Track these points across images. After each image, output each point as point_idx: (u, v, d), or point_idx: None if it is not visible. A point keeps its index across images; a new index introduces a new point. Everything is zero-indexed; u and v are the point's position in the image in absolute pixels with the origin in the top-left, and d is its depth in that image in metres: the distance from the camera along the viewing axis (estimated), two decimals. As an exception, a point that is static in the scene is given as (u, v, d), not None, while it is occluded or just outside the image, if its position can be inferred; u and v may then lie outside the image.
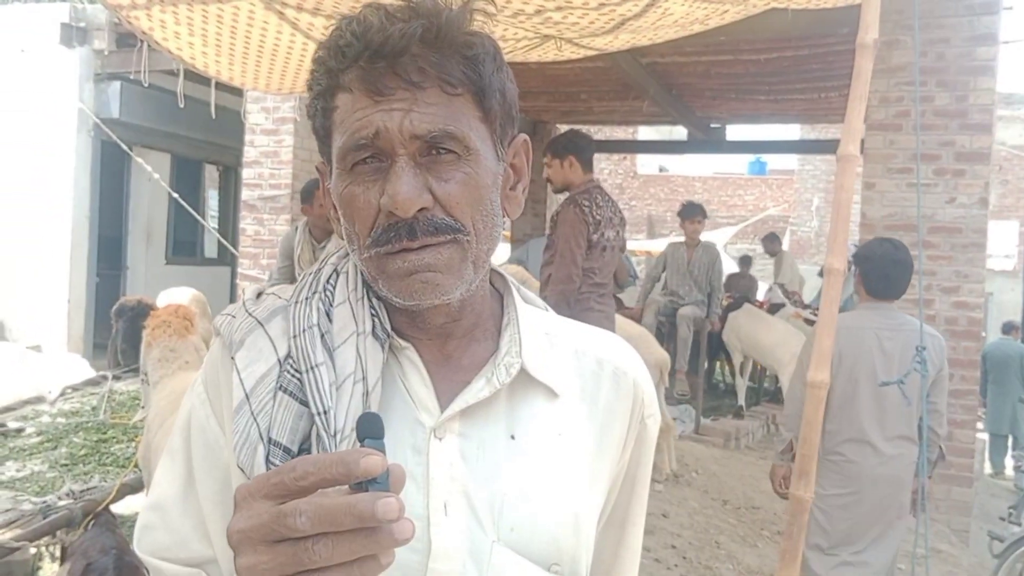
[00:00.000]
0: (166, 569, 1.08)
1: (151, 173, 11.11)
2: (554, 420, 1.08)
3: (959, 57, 6.68)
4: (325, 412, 0.96)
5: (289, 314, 1.05)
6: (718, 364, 12.17)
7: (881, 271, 4.27)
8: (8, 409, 7.37)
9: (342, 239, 1.07)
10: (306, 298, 1.06)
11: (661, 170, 29.69)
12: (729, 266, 15.14)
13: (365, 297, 1.06)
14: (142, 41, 5.48)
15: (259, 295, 1.13)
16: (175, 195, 10.99)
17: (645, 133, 20.82)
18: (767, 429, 9.92)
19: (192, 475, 1.09)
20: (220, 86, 6.06)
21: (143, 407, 4.83)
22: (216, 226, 13.67)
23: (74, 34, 11.26)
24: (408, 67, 0.96)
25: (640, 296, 10.25)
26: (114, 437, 6.60)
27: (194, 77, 6.20)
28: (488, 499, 1.01)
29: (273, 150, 9.07)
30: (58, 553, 4.17)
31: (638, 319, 8.93)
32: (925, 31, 6.43)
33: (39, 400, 7.71)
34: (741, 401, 10.21)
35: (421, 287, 0.99)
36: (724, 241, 21.42)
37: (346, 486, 0.69)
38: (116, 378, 8.05)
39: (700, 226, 9.49)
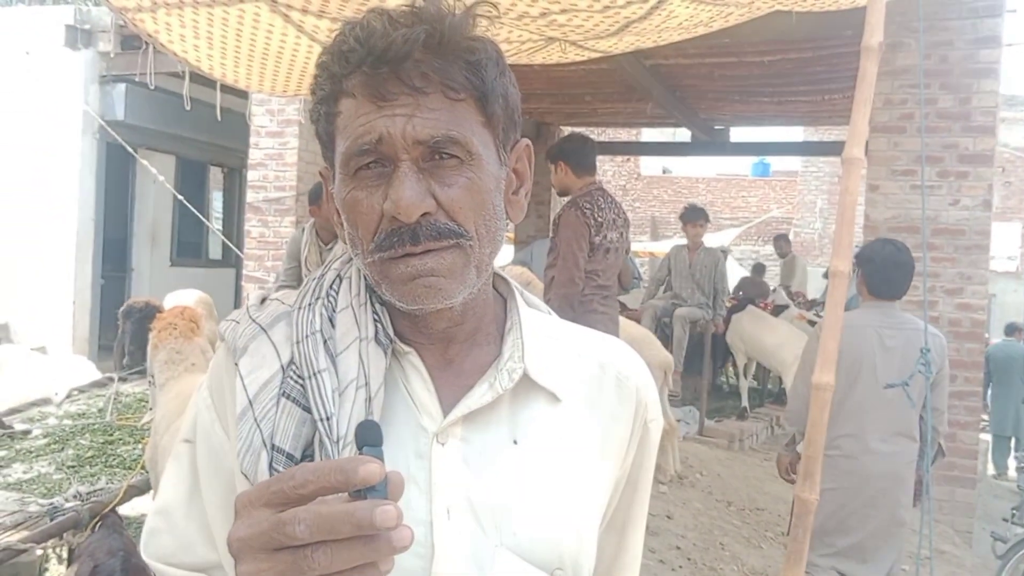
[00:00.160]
0: (172, 574, 1.09)
1: (156, 175, 11.11)
2: (556, 425, 1.08)
3: (962, 60, 6.69)
4: (328, 418, 0.97)
5: (292, 320, 1.06)
6: (723, 366, 12.17)
7: (883, 272, 4.32)
8: (14, 411, 7.38)
9: (345, 244, 1.08)
10: (309, 304, 1.06)
11: (664, 172, 29.70)
12: (737, 271, 15.12)
13: (368, 302, 1.06)
14: (147, 43, 5.50)
15: (263, 301, 1.13)
16: (180, 197, 11.01)
17: (649, 135, 20.85)
18: (771, 431, 9.91)
19: (197, 480, 1.10)
20: (225, 88, 6.09)
21: (150, 409, 4.85)
22: (220, 228, 13.69)
23: (79, 36, 11.29)
24: (411, 73, 0.96)
25: (644, 298, 10.26)
26: (121, 439, 6.61)
27: (199, 79, 6.23)
28: (491, 504, 1.01)
29: (278, 152, 9.08)
30: (65, 555, 4.18)
31: (637, 322, 8.93)
32: (929, 34, 6.44)
33: (45, 402, 7.72)
34: (745, 403, 10.21)
35: (424, 292, 0.99)
36: (728, 242, 21.45)
37: (345, 494, 0.69)
38: (122, 380, 8.06)
39: (702, 230, 9.49)
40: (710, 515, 6.38)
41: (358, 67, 0.98)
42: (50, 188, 11.51)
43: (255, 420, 0.99)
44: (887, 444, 4.24)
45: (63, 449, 6.41)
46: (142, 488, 4.50)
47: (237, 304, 12.08)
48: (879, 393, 4.23)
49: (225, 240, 12.07)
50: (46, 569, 4.60)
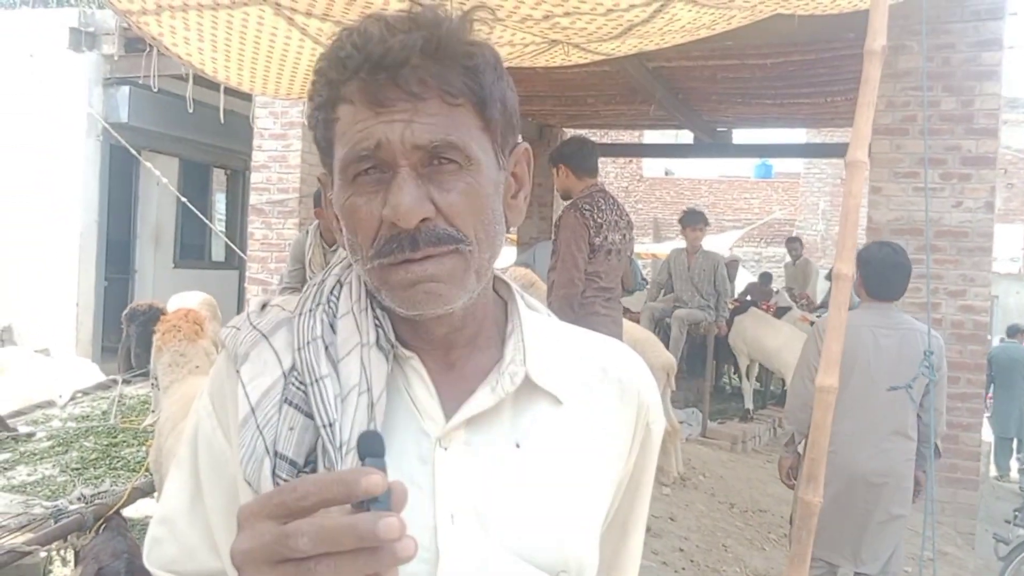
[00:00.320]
0: None
1: (159, 177, 11.12)
2: (559, 428, 1.08)
3: (965, 62, 6.70)
4: (330, 424, 0.96)
5: (293, 326, 1.05)
6: (725, 367, 12.17)
7: (881, 274, 4.40)
8: (18, 413, 7.38)
9: (344, 250, 1.08)
10: (310, 310, 1.06)
11: (667, 173, 29.67)
12: (747, 279, 15.08)
13: (369, 308, 1.06)
14: (151, 46, 5.51)
15: (263, 307, 1.13)
16: (183, 199, 11.01)
17: (651, 137, 20.84)
18: (774, 432, 9.91)
19: (199, 488, 1.10)
20: (229, 91, 6.10)
21: (154, 411, 4.85)
22: (223, 230, 13.70)
23: (83, 39, 11.29)
24: (409, 78, 0.96)
25: (645, 301, 10.28)
26: (125, 441, 6.61)
27: (203, 82, 6.23)
28: (495, 507, 1.01)
29: (281, 154, 9.10)
30: (69, 557, 4.18)
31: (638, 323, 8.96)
32: (931, 36, 6.45)
33: (49, 404, 7.72)
34: (748, 404, 10.21)
35: (424, 297, 0.99)
36: (730, 244, 21.44)
37: (348, 505, 0.69)
38: (126, 382, 8.06)
39: (701, 233, 9.54)
40: (713, 517, 6.38)
41: (355, 73, 0.97)
42: (54, 190, 11.51)
43: (257, 427, 0.99)
44: (882, 442, 4.30)
45: (67, 451, 6.41)
46: (146, 490, 4.51)
47: (240, 306, 12.09)
48: (873, 391, 4.29)
49: (228, 242, 12.08)
50: (50, 571, 4.60)
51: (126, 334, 8.06)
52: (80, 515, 4.13)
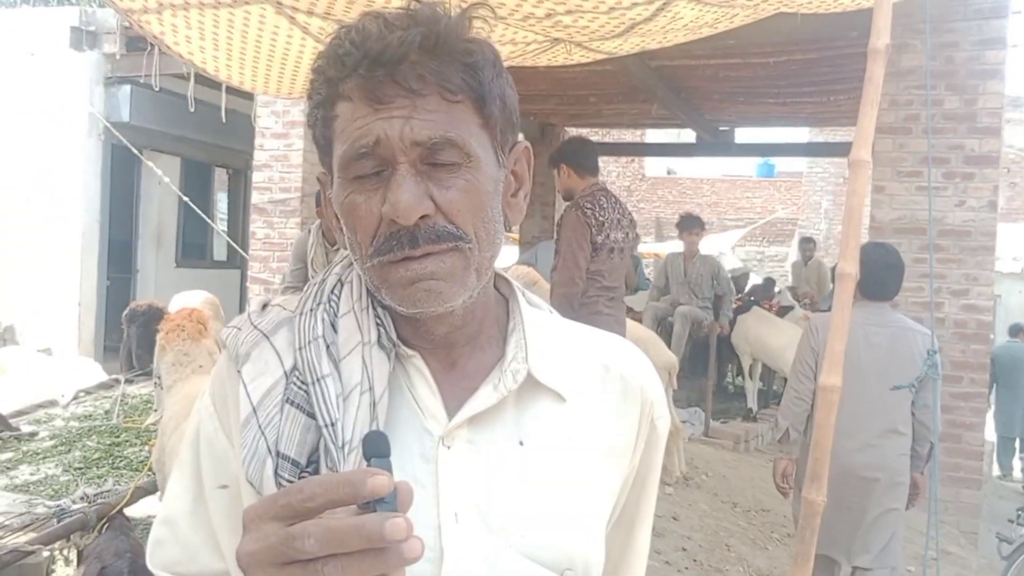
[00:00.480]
0: None
1: (161, 177, 11.13)
2: (562, 425, 1.07)
3: (968, 61, 6.69)
4: (332, 424, 0.96)
5: (294, 326, 1.05)
6: (729, 366, 12.17)
7: (874, 274, 4.42)
8: (21, 413, 7.38)
9: (345, 249, 1.08)
10: (311, 309, 1.06)
11: (669, 173, 29.67)
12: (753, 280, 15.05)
13: (370, 307, 1.06)
14: (152, 45, 5.51)
15: (264, 307, 1.13)
16: (185, 199, 11.02)
17: (653, 136, 20.84)
18: (798, 442, 9.89)
19: (202, 489, 1.10)
20: (230, 90, 6.10)
21: (156, 411, 4.85)
22: (225, 229, 13.70)
23: (84, 38, 11.30)
24: (407, 75, 0.96)
25: (648, 300, 10.30)
26: (127, 440, 6.61)
27: (204, 81, 6.24)
28: (499, 506, 1.01)
29: (283, 154, 9.10)
30: (72, 557, 4.19)
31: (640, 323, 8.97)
32: (934, 35, 6.45)
33: (52, 404, 7.72)
34: (751, 404, 10.21)
35: (424, 295, 0.98)
36: (732, 244, 21.43)
37: (354, 506, 0.69)
38: (129, 381, 8.06)
39: (697, 238, 9.63)
40: (716, 516, 6.38)
41: (354, 70, 0.97)
42: (55, 190, 11.52)
43: (259, 427, 0.98)
44: (873, 438, 4.38)
45: (70, 451, 6.41)
46: (149, 489, 4.51)
47: (242, 306, 12.10)
48: (863, 389, 4.33)
49: (230, 241, 12.08)
50: (53, 571, 4.60)
51: (127, 335, 8.07)
52: (83, 514, 4.14)
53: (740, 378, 11.79)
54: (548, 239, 9.89)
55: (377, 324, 1.04)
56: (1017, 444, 13.69)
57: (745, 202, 27.18)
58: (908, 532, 6.28)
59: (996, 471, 13.05)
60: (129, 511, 4.43)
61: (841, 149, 12.96)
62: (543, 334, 1.12)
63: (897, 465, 4.42)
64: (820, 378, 2.68)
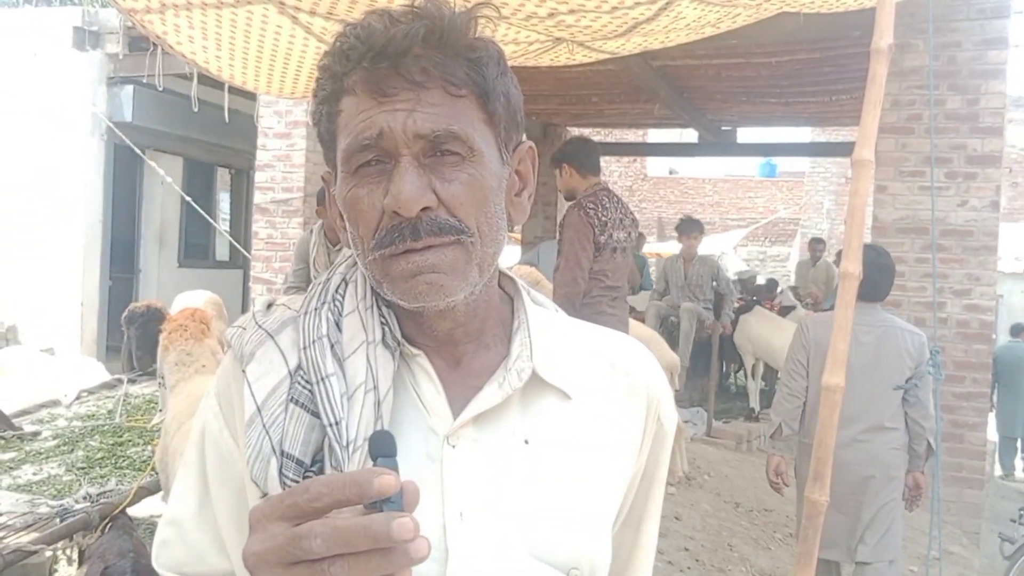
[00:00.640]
0: None
1: (164, 177, 11.14)
2: (568, 423, 1.07)
3: (970, 61, 6.69)
4: (337, 423, 0.96)
5: (299, 325, 1.05)
6: (729, 367, 12.18)
7: (866, 275, 4.43)
8: (24, 412, 7.39)
9: (349, 248, 1.07)
10: (315, 308, 1.06)
11: (671, 172, 29.66)
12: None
13: (374, 306, 1.05)
14: (155, 45, 5.51)
15: (269, 306, 1.13)
16: (188, 199, 11.02)
17: (655, 136, 20.83)
18: (779, 432, 9.89)
19: (207, 489, 1.10)
20: (233, 90, 6.10)
21: (160, 410, 4.85)
22: (228, 229, 13.70)
23: (87, 38, 11.30)
24: (411, 67, 0.96)
25: (651, 299, 10.32)
26: (130, 440, 6.61)
27: (207, 81, 6.24)
28: (504, 505, 1.00)
29: (285, 154, 9.10)
30: (75, 556, 4.19)
31: (643, 323, 8.99)
32: (937, 35, 6.44)
33: (55, 403, 7.73)
34: (753, 404, 10.21)
35: (426, 288, 0.98)
36: (735, 243, 21.43)
37: (360, 506, 0.69)
38: (131, 381, 8.07)
39: (696, 241, 9.69)
40: (718, 516, 6.38)
41: (358, 63, 0.97)
42: (58, 190, 11.52)
43: (264, 426, 0.98)
44: (862, 434, 4.44)
45: (73, 451, 6.41)
46: (152, 489, 4.51)
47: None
48: (851, 386, 4.36)
49: (233, 241, 12.08)
50: (55, 570, 4.61)
51: (127, 336, 8.07)
52: (86, 514, 4.13)
53: (742, 378, 11.78)
54: (550, 239, 9.89)
55: (381, 323, 1.04)
56: (1019, 444, 13.68)
57: (747, 202, 27.18)
58: (910, 532, 6.28)
59: (998, 471, 13.03)
60: (132, 511, 4.43)
61: (843, 149, 12.97)
62: (548, 332, 1.11)
63: (889, 459, 4.48)
64: (823, 377, 2.68)
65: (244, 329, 1.09)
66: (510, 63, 1.07)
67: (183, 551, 1.11)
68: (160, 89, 9.45)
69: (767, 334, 9.98)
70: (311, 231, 6.23)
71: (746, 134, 13.84)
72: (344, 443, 0.95)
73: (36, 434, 6.88)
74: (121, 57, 11.28)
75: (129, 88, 11.46)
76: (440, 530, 0.97)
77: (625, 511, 1.16)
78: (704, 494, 6.76)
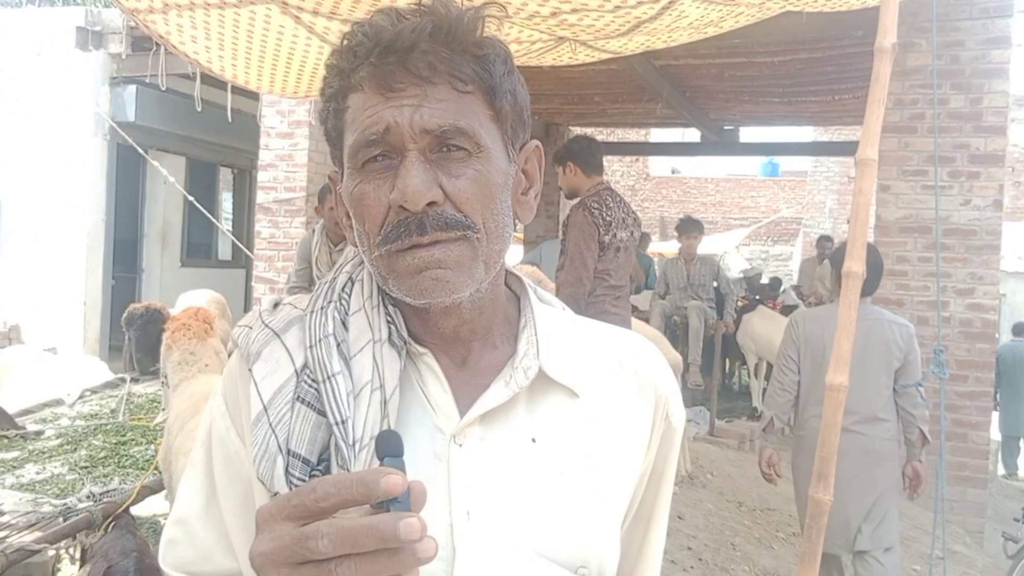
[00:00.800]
0: None
1: (166, 176, 11.14)
2: (575, 421, 1.06)
3: (973, 60, 6.69)
4: (343, 422, 0.96)
5: (305, 324, 1.05)
6: (733, 365, 12.18)
7: None
8: (27, 411, 7.39)
9: (355, 246, 1.07)
10: (321, 307, 1.05)
11: (673, 172, 29.69)
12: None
13: (381, 304, 1.05)
14: (158, 45, 5.51)
15: (275, 305, 1.13)
16: (190, 198, 11.02)
17: (658, 135, 20.83)
18: (782, 431, 9.89)
19: (214, 489, 1.10)
20: (236, 90, 6.10)
21: (163, 409, 4.85)
22: (230, 229, 13.71)
23: (90, 38, 11.31)
24: (418, 62, 0.96)
25: (655, 298, 10.32)
26: (133, 439, 6.62)
27: (210, 81, 6.24)
28: (511, 504, 1.00)
29: (288, 153, 9.10)
30: (78, 555, 4.18)
31: (647, 323, 8.98)
32: (940, 34, 6.45)
33: (58, 403, 7.73)
34: (756, 403, 10.22)
35: (432, 284, 0.98)
36: (736, 243, 21.42)
37: (367, 506, 0.69)
38: (134, 380, 8.07)
39: (695, 241, 9.69)
40: (721, 515, 6.37)
41: (366, 59, 0.98)
42: (61, 189, 11.53)
43: (270, 425, 0.98)
44: (855, 424, 4.49)
45: (76, 450, 6.42)
46: (155, 488, 4.51)
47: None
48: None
49: (235, 241, 12.08)
50: (59, 569, 4.61)
51: (127, 338, 8.08)
52: (89, 513, 4.13)
53: (745, 377, 11.78)
54: (552, 238, 9.89)
55: (388, 322, 1.04)
56: (1022, 443, 13.65)
57: (749, 201, 27.19)
58: (914, 531, 6.29)
59: (1001, 470, 13.01)
60: (135, 510, 4.43)
61: (846, 148, 12.97)
62: (555, 330, 1.11)
63: (883, 450, 4.58)
64: (827, 376, 2.68)
65: (250, 328, 1.09)
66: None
67: (190, 550, 1.11)
68: (163, 89, 9.42)
69: (770, 333, 9.98)
70: (313, 231, 6.24)
71: (748, 133, 13.83)
72: (350, 442, 0.95)
73: (39, 433, 6.89)
74: (124, 57, 11.29)
75: (132, 88, 11.47)
76: (447, 529, 0.97)
77: (634, 510, 1.16)
78: (707, 493, 6.76)
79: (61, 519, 4.16)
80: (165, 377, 4.53)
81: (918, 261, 6.82)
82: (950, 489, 6.04)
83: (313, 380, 1.00)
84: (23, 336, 11.48)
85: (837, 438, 2.64)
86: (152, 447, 6.15)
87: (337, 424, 0.96)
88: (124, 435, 6.74)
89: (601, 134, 16.08)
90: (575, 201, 5.07)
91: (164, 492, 4.42)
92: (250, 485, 1.04)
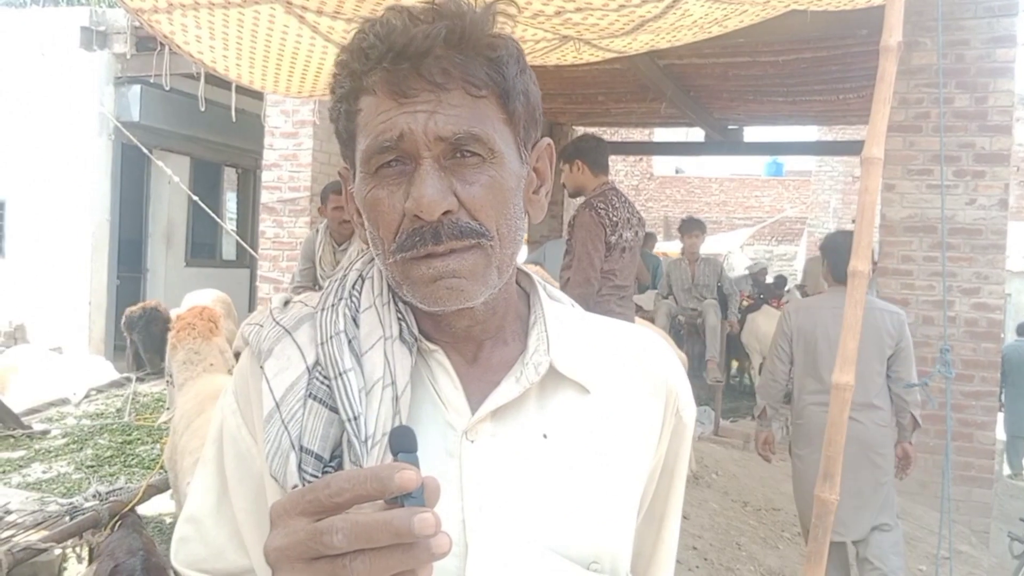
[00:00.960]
0: None
1: (171, 176, 11.16)
2: (586, 417, 1.06)
3: (978, 59, 6.68)
4: (355, 418, 0.96)
5: (316, 321, 1.05)
6: (743, 364, 12.16)
7: (842, 259, 4.74)
8: (33, 411, 7.38)
9: (365, 244, 1.07)
10: (332, 304, 1.06)
11: (677, 172, 29.67)
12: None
13: (391, 302, 1.06)
14: (162, 45, 5.52)
15: (286, 303, 1.13)
16: (195, 198, 11.04)
17: (661, 134, 20.82)
18: (786, 431, 9.88)
19: (225, 486, 1.10)
20: (240, 90, 6.11)
21: (168, 409, 4.85)
22: (235, 228, 13.73)
23: (94, 38, 11.32)
24: (432, 68, 0.95)
25: (659, 298, 10.32)
26: (139, 439, 6.61)
27: (214, 81, 6.25)
28: (524, 499, 1.00)
29: (292, 153, 9.10)
30: (84, 554, 4.19)
31: (651, 322, 8.99)
32: (945, 33, 6.44)
33: (64, 402, 7.72)
34: (761, 402, 10.19)
35: (446, 293, 0.98)
36: (741, 242, 21.40)
37: (381, 501, 0.69)
38: (140, 380, 8.07)
39: (698, 240, 9.68)
40: (726, 515, 6.37)
41: (378, 63, 0.97)
42: (65, 189, 11.56)
43: (282, 422, 0.98)
44: (856, 412, 4.65)
45: (82, 449, 6.41)
46: (161, 487, 4.52)
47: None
48: (833, 367, 4.59)
49: (240, 240, 12.10)
50: (65, 568, 4.61)
51: (130, 341, 8.08)
52: (95, 512, 4.14)
53: (750, 376, 11.76)
54: (556, 238, 9.90)
55: (399, 319, 1.04)
56: (1027, 443, 13.62)
57: (754, 201, 27.16)
58: (920, 531, 6.28)
59: (1006, 470, 12.99)
60: (141, 509, 4.43)
61: (850, 147, 12.96)
62: (565, 326, 1.11)
63: (879, 436, 4.71)
64: (833, 375, 2.67)
65: (262, 326, 1.10)
66: None
67: (202, 548, 1.11)
68: (167, 89, 9.46)
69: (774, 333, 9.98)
70: (317, 230, 6.24)
71: (752, 133, 13.83)
72: (363, 438, 0.95)
73: (45, 432, 6.88)
74: (128, 57, 11.32)
75: (136, 88, 11.49)
76: (460, 525, 0.97)
77: (646, 506, 1.16)
78: (712, 493, 6.76)
79: (67, 518, 4.15)
80: (170, 376, 4.54)
81: (923, 260, 6.81)
82: (956, 489, 6.04)
83: (325, 377, 1.00)
84: (28, 336, 11.51)
85: (843, 437, 2.64)
86: (157, 446, 6.15)
87: (349, 420, 0.96)
88: (130, 434, 6.73)
89: (605, 133, 16.05)
90: (581, 201, 5.07)
91: (170, 491, 4.43)
92: (262, 482, 1.04)
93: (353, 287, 1.08)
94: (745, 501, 6.83)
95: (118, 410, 7.45)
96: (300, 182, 9.10)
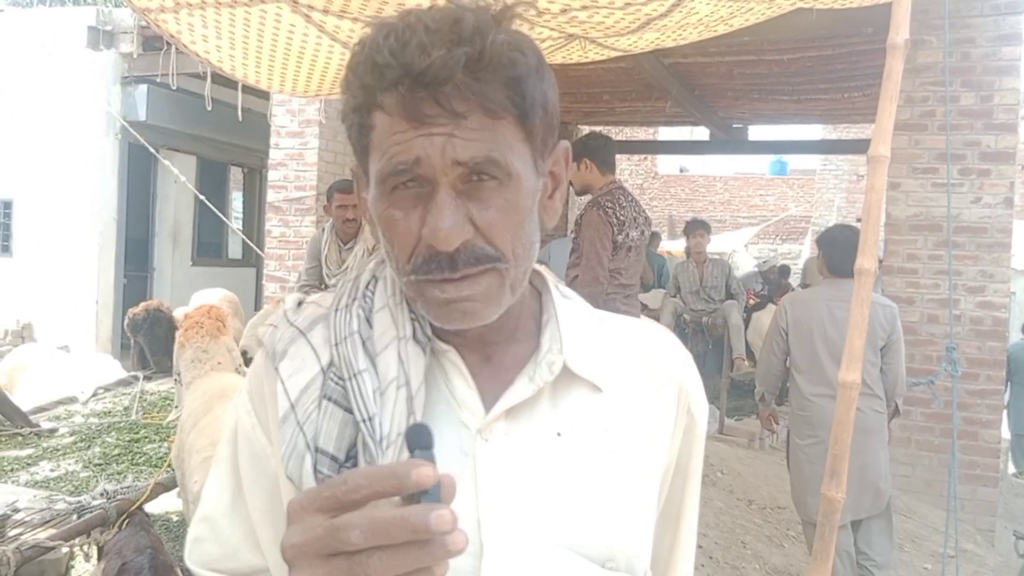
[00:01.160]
0: None
1: (177, 175, 11.18)
2: (599, 415, 1.07)
3: (984, 57, 6.67)
4: (370, 418, 0.96)
5: (330, 322, 1.05)
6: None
7: (843, 253, 4.85)
8: (41, 409, 7.39)
9: (374, 240, 1.07)
10: (346, 305, 1.06)
11: (682, 170, 29.62)
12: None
13: (404, 302, 1.05)
14: (169, 44, 5.53)
15: (300, 304, 1.13)
16: (201, 197, 11.05)
17: (666, 133, 20.81)
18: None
19: (240, 486, 1.10)
20: (246, 89, 6.11)
21: (176, 407, 4.86)
22: (241, 228, 13.74)
23: (101, 37, 11.33)
24: (451, 96, 0.92)
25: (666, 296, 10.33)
26: (147, 437, 6.61)
27: (221, 80, 6.26)
28: (538, 498, 1.00)
29: (298, 152, 9.12)
30: (92, 553, 4.19)
31: (656, 321, 9.00)
32: (951, 31, 6.43)
33: (71, 400, 7.72)
34: (765, 400, 10.19)
35: (460, 316, 0.99)
36: (745, 241, 21.38)
37: (398, 498, 0.69)
38: (147, 378, 8.08)
39: (702, 240, 9.66)
40: (731, 514, 6.37)
41: (394, 86, 0.93)
42: (72, 188, 11.57)
43: (298, 423, 0.99)
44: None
45: (89, 447, 6.41)
46: (168, 486, 4.52)
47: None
48: (829, 357, 4.83)
49: (246, 240, 12.11)
50: (73, 567, 4.63)
51: (134, 342, 8.09)
52: (103, 510, 4.14)
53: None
54: (560, 237, 9.89)
55: (412, 319, 1.04)
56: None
57: (758, 200, 27.11)
58: (925, 530, 6.28)
59: (1011, 469, 12.96)
60: (149, 507, 4.44)
61: (855, 146, 12.94)
62: (577, 325, 1.11)
63: (875, 422, 4.88)
64: (840, 374, 2.67)
65: (276, 327, 1.10)
66: None
67: (216, 548, 1.12)
68: (174, 88, 9.44)
69: (779, 331, 9.98)
70: (323, 229, 6.24)
71: (757, 132, 13.82)
72: (377, 438, 0.96)
73: (53, 431, 6.89)
74: (135, 56, 11.31)
75: (143, 87, 11.50)
76: (475, 524, 0.97)
77: (662, 505, 1.15)
78: (717, 491, 6.76)
79: (75, 516, 4.16)
80: (178, 375, 4.55)
81: (928, 259, 6.81)
82: (961, 488, 6.03)
83: (339, 377, 1.00)
84: (36, 334, 11.53)
85: (850, 436, 2.64)
86: (165, 445, 6.16)
87: (364, 421, 0.96)
88: (137, 433, 6.73)
89: (610, 132, 16.03)
90: (587, 200, 5.08)
91: (177, 489, 4.44)
92: (276, 482, 1.05)
93: (367, 288, 1.09)
94: (750, 499, 6.83)
95: (126, 408, 7.46)
96: (306, 181, 9.12)
